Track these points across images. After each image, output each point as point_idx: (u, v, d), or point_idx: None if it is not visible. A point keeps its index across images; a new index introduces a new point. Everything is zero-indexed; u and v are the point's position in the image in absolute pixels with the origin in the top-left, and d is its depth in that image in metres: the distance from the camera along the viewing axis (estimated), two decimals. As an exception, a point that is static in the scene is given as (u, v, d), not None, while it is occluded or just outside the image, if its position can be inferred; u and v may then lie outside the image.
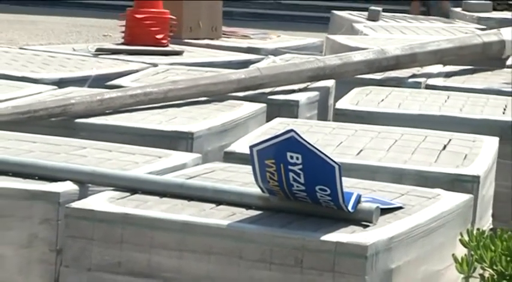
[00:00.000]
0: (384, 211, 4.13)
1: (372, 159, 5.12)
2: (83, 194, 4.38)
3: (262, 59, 8.31)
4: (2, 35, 14.71)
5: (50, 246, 4.31)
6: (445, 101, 6.71)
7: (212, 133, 5.67)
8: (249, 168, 4.17)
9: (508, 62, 8.34)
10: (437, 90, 7.16)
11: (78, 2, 19.14)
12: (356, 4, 15.05)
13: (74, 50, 8.56)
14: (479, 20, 11.87)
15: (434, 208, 4.37)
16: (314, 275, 3.88)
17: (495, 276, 3.05)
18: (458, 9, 13.41)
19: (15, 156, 4.75)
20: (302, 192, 4.02)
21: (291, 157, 3.96)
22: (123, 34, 9.13)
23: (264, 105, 6.39)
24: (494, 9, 13.43)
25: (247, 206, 4.18)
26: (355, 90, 6.87)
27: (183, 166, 4.83)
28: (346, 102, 6.55)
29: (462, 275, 3.17)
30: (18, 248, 4.36)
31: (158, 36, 8.78)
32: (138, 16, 8.91)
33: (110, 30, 11.68)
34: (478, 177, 4.95)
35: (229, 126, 5.86)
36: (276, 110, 6.36)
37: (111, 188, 4.42)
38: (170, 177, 4.56)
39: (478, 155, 5.28)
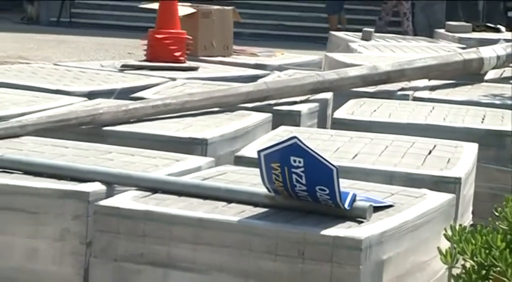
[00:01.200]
0: (376, 209, 4.12)
1: (365, 163, 5.10)
2: (109, 193, 4.37)
3: (268, 74, 8.30)
4: (39, 52, 14.73)
5: (81, 239, 4.30)
6: (430, 112, 6.69)
7: (224, 139, 5.65)
8: (257, 170, 4.16)
9: (486, 77, 8.32)
10: (423, 102, 7.14)
11: (105, 23, 19.12)
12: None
13: (102, 66, 8.56)
14: (460, 40, 11.85)
15: (421, 206, 4.36)
16: (314, 265, 3.87)
17: (475, 267, 3.02)
18: (442, 30, 13.40)
19: (50, 160, 4.74)
20: (304, 192, 4.01)
21: (294, 161, 3.96)
22: (145, 52, 9.12)
23: (270, 115, 6.37)
24: (474, 30, 13.42)
25: (255, 204, 4.16)
26: (351, 101, 6.86)
27: (198, 169, 4.82)
28: (342, 112, 6.54)
29: (446, 266, 3.14)
30: (52, 241, 4.35)
31: (176, 54, 8.77)
32: (158, 36, 8.91)
33: (134, 48, 11.66)
34: (459, 178, 4.94)
35: (239, 133, 5.85)
36: (281, 119, 6.34)
37: (135, 188, 4.41)
38: (187, 179, 4.54)
39: (460, 159, 5.27)
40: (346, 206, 3.98)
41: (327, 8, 21.11)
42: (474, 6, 20.57)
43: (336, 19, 20.86)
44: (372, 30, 12.19)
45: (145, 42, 9.19)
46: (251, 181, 4.38)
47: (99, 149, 5.10)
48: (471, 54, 8.40)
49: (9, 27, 18.41)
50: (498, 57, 8.37)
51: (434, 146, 5.52)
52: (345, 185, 4.09)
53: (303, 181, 3.98)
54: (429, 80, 7.89)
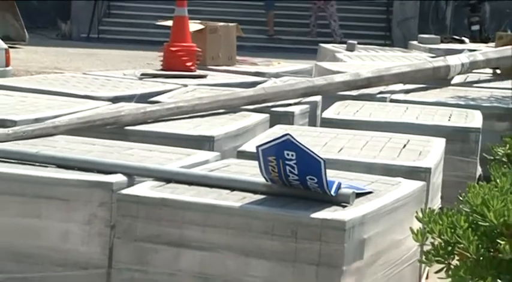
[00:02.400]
0: (358, 195, 4.12)
1: (349, 156, 5.10)
2: (130, 183, 4.38)
3: (266, 80, 8.30)
4: (71, 64, 14.74)
5: (106, 223, 4.30)
6: (405, 111, 6.69)
7: (228, 137, 5.65)
8: (256, 163, 4.17)
9: (452, 82, 8.32)
10: (398, 103, 7.14)
11: (127, 38, 19.13)
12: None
13: (125, 74, 8.55)
14: (430, 50, 11.85)
15: (397, 192, 4.36)
16: (305, 243, 3.87)
17: (442, 244, 3.01)
18: (415, 42, 13.41)
19: (79, 155, 4.74)
20: (296, 181, 4.02)
21: (288, 154, 3.96)
22: (161, 62, 9.12)
23: (268, 115, 6.37)
24: (442, 42, 13.44)
25: (255, 192, 4.16)
26: (337, 103, 6.85)
27: (206, 162, 4.81)
28: (330, 113, 6.53)
29: (417, 243, 3.13)
30: (82, 224, 4.35)
31: (188, 64, 8.77)
32: (172, 49, 8.90)
33: (152, 59, 11.65)
34: (429, 168, 4.94)
35: (241, 131, 5.85)
36: (277, 119, 6.34)
37: (152, 179, 4.41)
38: (196, 170, 4.54)
39: (430, 152, 5.27)
40: (332, 192, 3.98)
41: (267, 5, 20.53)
42: (442, 21, 20.56)
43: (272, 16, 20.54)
44: (355, 42, 12.18)
45: (162, 54, 9.19)
46: (251, 172, 4.37)
47: (121, 145, 5.10)
48: (439, 62, 8.40)
49: (46, 42, 18.41)
50: (462, 64, 8.36)
51: (408, 140, 5.51)
52: (331, 174, 4.09)
53: (295, 172, 3.98)
54: (404, 84, 7.88)
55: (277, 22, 20.13)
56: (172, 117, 5.98)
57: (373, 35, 19.05)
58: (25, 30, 16.88)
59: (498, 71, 8.95)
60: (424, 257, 3.09)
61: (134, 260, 4.11)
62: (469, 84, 8.44)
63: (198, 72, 8.75)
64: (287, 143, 3.97)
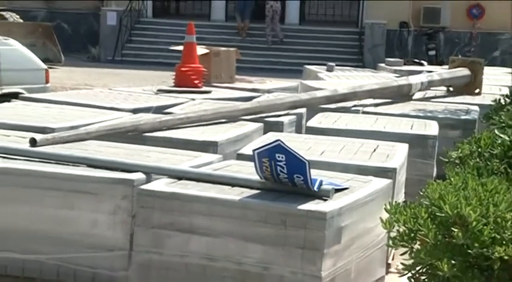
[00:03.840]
0: (337, 190, 4.12)
1: (329, 158, 5.09)
2: (148, 180, 4.38)
3: (260, 95, 8.28)
4: (99, 81, 14.73)
5: (128, 213, 4.30)
6: (375, 122, 6.67)
7: (229, 142, 5.64)
8: (252, 164, 4.17)
9: (414, 97, 8.32)
10: (369, 115, 7.13)
11: (146, 60, 19.13)
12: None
13: (143, 90, 8.54)
14: (395, 71, 11.86)
15: (368, 188, 4.36)
16: (293, 230, 3.87)
17: (406, 231, 3.01)
18: (383, 64, 13.42)
19: (106, 157, 4.74)
20: (285, 178, 4.02)
21: (278, 156, 3.97)
22: (173, 80, 9.12)
23: (262, 124, 6.35)
24: (405, 64, 13.46)
25: (251, 188, 4.16)
26: (319, 114, 6.85)
27: (210, 162, 4.80)
28: (313, 122, 6.53)
29: (385, 230, 3.13)
30: (108, 214, 4.35)
31: (195, 82, 8.77)
32: (183, 69, 8.90)
33: (166, 78, 11.63)
34: (395, 169, 4.94)
35: (239, 137, 5.83)
36: (269, 127, 6.33)
37: (166, 177, 4.40)
38: (202, 169, 4.54)
39: (395, 155, 5.27)
40: (315, 188, 3.99)
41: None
42: (405, 47, 20.59)
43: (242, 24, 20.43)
44: (334, 64, 12.20)
45: (174, 73, 9.19)
46: (248, 171, 4.36)
47: (140, 149, 5.08)
48: (403, 81, 8.42)
49: (78, 63, 18.39)
50: (422, 83, 8.38)
51: (377, 146, 5.50)
52: (314, 173, 4.08)
53: (285, 171, 3.99)
54: (374, 99, 7.88)
55: (271, 48, 20.17)
56: (182, 126, 5.96)
57: (348, 58, 19.06)
58: (61, 53, 16.86)
59: (451, 89, 8.97)
60: (391, 242, 3.09)
61: (151, 244, 4.11)
62: (427, 99, 8.43)
63: (204, 88, 8.73)
64: (278, 147, 3.98)
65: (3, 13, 17.82)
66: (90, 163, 4.62)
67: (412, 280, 3.00)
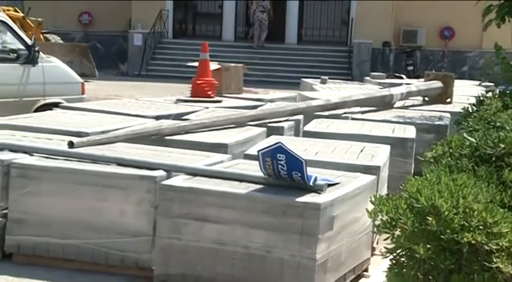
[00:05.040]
0: (329, 185, 4.12)
1: (323, 157, 5.09)
2: (168, 176, 4.38)
3: (264, 104, 8.27)
4: (127, 92, 14.73)
5: (151, 204, 4.31)
6: (362, 126, 6.67)
7: (237, 144, 5.64)
8: (257, 162, 4.16)
9: (395, 106, 8.30)
10: (357, 121, 7.12)
11: (167, 75, 19.12)
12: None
13: (164, 100, 8.54)
14: (379, 84, 11.82)
15: (356, 183, 4.36)
16: (292, 219, 3.88)
17: (389, 220, 2.99)
18: (368, 78, 13.38)
19: (133, 157, 4.74)
20: (285, 175, 4.02)
21: (279, 156, 3.97)
22: (190, 91, 9.11)
23: (265, 129, 6.36)
24: (387, 78, 13.42)
25: (256, 183, 4.17)
26: (314, 120, 6.85)
27: (221, 161, 4.81)
28: (309, 127, 6.52)
29: (371, 219, 3.11)
30: (134, 205, 4.35)
31: (209, 93, 8.75)
32: (198, 82, 8.89)
33: (184, 89, 11.62)
34: (379, 166, 4.94)
35: (246, 140, 5.84)
36: (271, 131, 6.33)
37: (183, 173, 4.40)
38: (214, 167, 4.54)
39: (379, 155, 5.26)
40: (311, 183, 3.99)
41: None
42: (387, 63, 20.55)
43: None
44: (327, 78, 12.17)
45: (190, 86, 9.19)
46: (254, 169, 4.37)
47: (162, 150, 5.09)
48: (385, 92, 8.41)
49: (109, 78, 18.39)
50: (401, 93, 8.38)
51: (364, 147, 5.50)
52: (310, 170, 4.08)
53: (285, 168, 3.99)
54: (361, 107, 7.87)
55: (274, 63, 20.18)
56: (198, 130, 5.97)
57: (339, 72, 19.02)
58: (95, 69, 16.88)
59: (426, 98, 8.95)
60: (375, 229, 3.07)
61: (171, 230, 4.11)
62: (406, 107, 8.42)
63: (216, 98, 8.73)
64: (279, 148, 3.98)
65: (47, 35, 17.88)
66: (119, 162, 4.63)
67: (394, 261, 2.99)
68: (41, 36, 16.69)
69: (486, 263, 2.78)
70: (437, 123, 7.22)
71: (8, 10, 15.79)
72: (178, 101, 8.42)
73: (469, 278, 2.79)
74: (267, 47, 21.02)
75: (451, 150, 4.14)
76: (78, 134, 5.41)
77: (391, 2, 20.33)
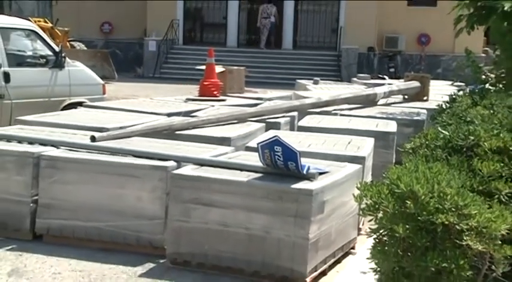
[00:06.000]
0: (320, 173, 4.11)
1: (315, 149, 5.07)
2: (178, 166, 4.37)
3: (263, 102, 8.26)
4: (143, 93, 14.68)
5: (164, 191, 4.30)
6: (349, 121, 6.66)
7: (240, 137, 5.63)
8: (257, 154, 4.15)
9: (378, 103, 8.28)
10: (345, 116, 7.11)
11: (178, 77, 19.09)
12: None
13: (175, 99, 8.52)
14: (364, 84, 11.80)
15: (344, 171, 4.35)
16: (288, 203, 3.86)
17: (372, 203, 2.98)
18: (355, 79, 13.35)
19: (147, 149, 4.72)
20: (282, 165, 4.01)
21: (276, 148, 3.96)
22: (198, 91, 9.10)
23: (264, 124, 6.34)
24: (371, 78, 13.39)
25: (256, 172, 4.15)
26: (307, 117, 6.84)
27: (225, 153, 4.79)
28: (303, 122, 6.51)
29: (357, 203, 3.10)
30: (149, 192, 4.35)
31: (214, 92, 8.75)
32: (205, 83, 8.88)
33: (193, 90, 11.59)
34: (364, 157, 4.93)
35: (248, 134, 5.82)
36: (270, 126, 6.32)
37: (191, 164, 4.38)
38: (219, 158, 4.52)
39: (364, 147, 5.25)
40: (304, 172, 3.98)
41: None
42: (371, 66, 20.47)
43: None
44: (318, 79, 12.14)
45: (198, 86, 9.18)
46: (254, 159, 4.36)
47: (173, 143, 5.07)
48: (370, 91, 8.39)
49: (127, 80, 18.33)
50: (384, 92, 8.36)
51: (351, 139, 5.49)
52: (304, 160, 4.07)
53: (281, 159, 3.97)
54: (348, 104, 7.86)
55: (272, 66, 20.12)
56: (204, 125, 5.95)
57: (329, 74, 18.96)
58: (115, 72, 16.86)
59: (406, 97, 8.93)
60: (361, 211, 3.06)
61: (181, 214, 4.10)
62: (388, 104, 8.40)
63: (221, 97, 8.72)
64: (276, 141, 3.96)
65: (73, 43, 17.87)
66: (135, 154, 4.62)
67: (377, 240, 2.98)
68: (67, 43, 16.66)
69: (457, 241, 2.77)
70: (415, 118, 7.20)
71: (39, 21, 15.78)
72: (188, 99, 8.41)
73: (442, 254, 2.78)
74: (266, 52, 21.01)
75: (427, 142, 4.13)
76: (100, 130, 5.40)
77: (375, 12, 20.34)
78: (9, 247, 4.39)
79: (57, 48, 7.88)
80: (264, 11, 21.10)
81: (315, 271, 3.98)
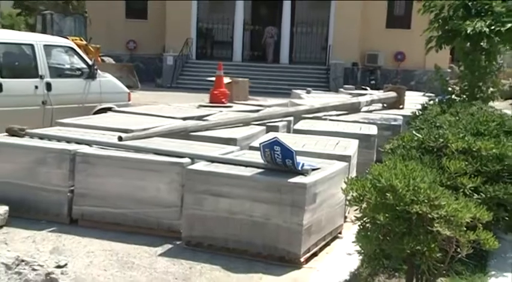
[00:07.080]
0: (313, 170, 4.09)
1: (308, 149, 5.05)
2: (192, 162, 4.35)
3: (264, 109, 8.25)
4: (162, 99, 14.64)
5: (179, 183, 4.28)
6: (337, 125, 6.65)
7: (244, 138, 5.62)
8: (259, 152, 4.13)
9: (362, 110, 8.27)
10: (334, 121, 7.09)
11: (191, 87, 19.07)
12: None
13: (190, 105, 8.52)
14: (349, 93, 11.77)
15: (333, 168, 4.33)
16: (285, 195, 3.85)
17: (357, 195, 2.98)
18: (342, 89, 13.30)
19: (166, 148, 4.71)
20: (280, 162, 3.99)
21: (275, 148, 3.95)
22: (209, 99, 9.09)
23: (265, 127, 6.32)
24: (355, 89, 13.33)
25: (258, 168, 4.13)
26: (301, 121, 6.83)
27: (232, 152, 4.77)
28: (298, 126, 6.49)
29: (344, 195, 3.10)
30: (167, 184, 4.33)
31: (223, 100, 8.75)
32: (215, 92, 8.89)
33: (204, 97, 11.57)
34: (350, 156, 4.90)
35: (251, 135, 5.81)
36: (270, 129, 6.31)
37: (204, 160, 4.37)
38: (227, 156, 4.51)
39: (350, 147, 5.23)
40: (299, 168, 3.96)
41: None
42: (355, 78, 20.45)
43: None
44: (311, 89, 12.10)
45: (209, 95, 9.17)
46: (257, 157, 4.34)
47: (187, 143, 5.05)
48: (355, 99, 8.39)
49: (148, 89, 18.29)
50: (367, 101, 8.36)
51: (339, 141, 5.48)
52: (299, 158, 4.06)
53: (280, 157, 3.96)
54: (336, 111, 7.85)
55: (272, 78, 20.10)
56: (214, 128, 5.94)
57: (320, 85, 18.94)
58: (138, 82, 16.87)
59: (385, 105, 8.92)
60: (347, 202, 3.06)
61: (194, 203, 4.09)
62: (370, 111, 8.39)
63: (228, 104, 8.71)
64: (275, 142, 3.95)
65: (103, 57, 17.91)
66: (155, 152, 4.61)
67: (361, 226, 2.97)
68: (99, 58, 16.67)
69: (429, 228, 2.77)
70: (393, 123, 7.20)
71: (75, 39, 15.82)
72: (200, 106, 8.40)
73: (416, 239, 2.78)
74: (266, 66, 21.05)
75: (403, 144, 4.12)
76: (126, 131, 5.39)
77: (359, 33, 20.39)
78: (51, 229, 4.41)
79: (90, 62, 7.91)
80: (269, 31, 21.65)
81: (308, 252, 3.97)
